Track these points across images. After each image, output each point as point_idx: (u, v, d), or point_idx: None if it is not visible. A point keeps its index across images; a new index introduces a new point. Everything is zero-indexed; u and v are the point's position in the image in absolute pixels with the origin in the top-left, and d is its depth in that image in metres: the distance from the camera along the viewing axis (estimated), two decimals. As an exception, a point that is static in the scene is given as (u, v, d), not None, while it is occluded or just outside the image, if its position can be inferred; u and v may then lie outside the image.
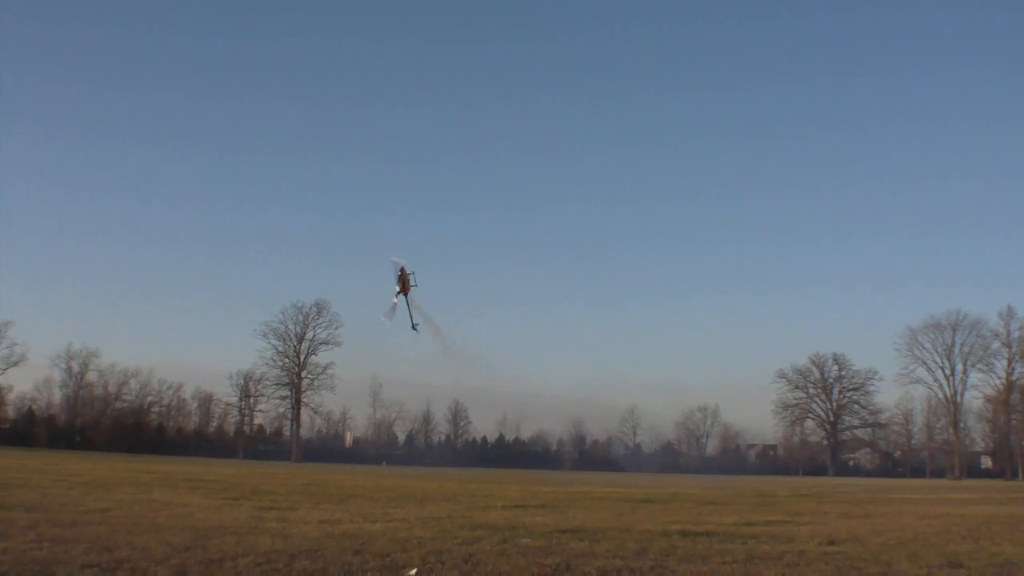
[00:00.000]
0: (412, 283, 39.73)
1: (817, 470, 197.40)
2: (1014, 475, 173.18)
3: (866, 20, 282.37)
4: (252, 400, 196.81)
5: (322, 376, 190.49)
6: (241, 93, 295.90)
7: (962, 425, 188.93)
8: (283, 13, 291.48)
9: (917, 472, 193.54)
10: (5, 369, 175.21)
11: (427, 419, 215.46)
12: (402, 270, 39.62)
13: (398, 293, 39.41)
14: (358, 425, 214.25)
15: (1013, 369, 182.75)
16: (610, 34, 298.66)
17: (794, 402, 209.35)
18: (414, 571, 17.31)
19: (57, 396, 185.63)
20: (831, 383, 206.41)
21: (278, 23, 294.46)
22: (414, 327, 40.01)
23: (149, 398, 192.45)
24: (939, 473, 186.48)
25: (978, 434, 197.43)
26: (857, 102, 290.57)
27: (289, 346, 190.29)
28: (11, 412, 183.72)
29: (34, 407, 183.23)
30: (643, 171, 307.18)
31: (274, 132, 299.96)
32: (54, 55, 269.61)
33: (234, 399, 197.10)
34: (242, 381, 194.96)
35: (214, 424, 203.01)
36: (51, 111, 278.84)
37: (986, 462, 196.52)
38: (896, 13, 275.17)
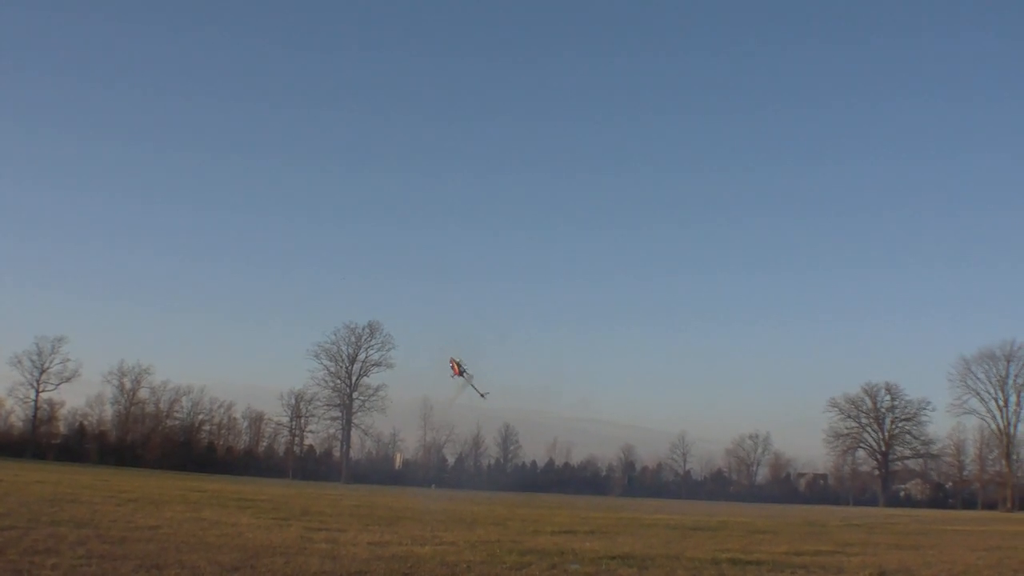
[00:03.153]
0: (464, 369, 48.37)
1: (867, 500, 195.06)
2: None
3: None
4: (303, 420, 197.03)
5: (373, 397, 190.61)
6: (311, 106, 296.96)
7: (1015, 457, 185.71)
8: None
9: (968, 504, 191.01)
10: (58, 384, 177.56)
11: (477, 442, 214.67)
12: (453, 361, 48.18)
13: (454, 376, 48.32)
14: (408, 447, 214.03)
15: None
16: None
17: (846, 431, 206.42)
18: (463, 595, 17.27)
19: (109, 412, 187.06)
20: (883, 413, 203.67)
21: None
22: (483, 396, 49.14)
23: (200, 416, 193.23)
24: (991, 505, 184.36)
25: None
26: (913, 130, 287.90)
27: (341, 367, 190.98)
28: (63, 427, 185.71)
29: (85, 423, 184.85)
30: (702, 196, 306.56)
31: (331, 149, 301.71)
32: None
33: (285, 419, 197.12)
34: (293, 401, 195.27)
35: (264, 444, 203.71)
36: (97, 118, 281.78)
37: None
38: None
